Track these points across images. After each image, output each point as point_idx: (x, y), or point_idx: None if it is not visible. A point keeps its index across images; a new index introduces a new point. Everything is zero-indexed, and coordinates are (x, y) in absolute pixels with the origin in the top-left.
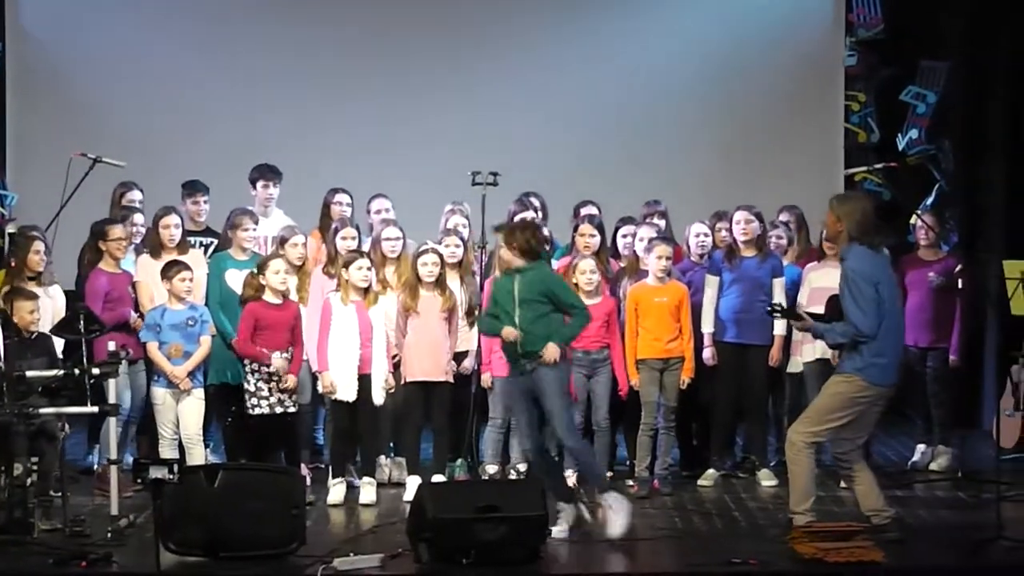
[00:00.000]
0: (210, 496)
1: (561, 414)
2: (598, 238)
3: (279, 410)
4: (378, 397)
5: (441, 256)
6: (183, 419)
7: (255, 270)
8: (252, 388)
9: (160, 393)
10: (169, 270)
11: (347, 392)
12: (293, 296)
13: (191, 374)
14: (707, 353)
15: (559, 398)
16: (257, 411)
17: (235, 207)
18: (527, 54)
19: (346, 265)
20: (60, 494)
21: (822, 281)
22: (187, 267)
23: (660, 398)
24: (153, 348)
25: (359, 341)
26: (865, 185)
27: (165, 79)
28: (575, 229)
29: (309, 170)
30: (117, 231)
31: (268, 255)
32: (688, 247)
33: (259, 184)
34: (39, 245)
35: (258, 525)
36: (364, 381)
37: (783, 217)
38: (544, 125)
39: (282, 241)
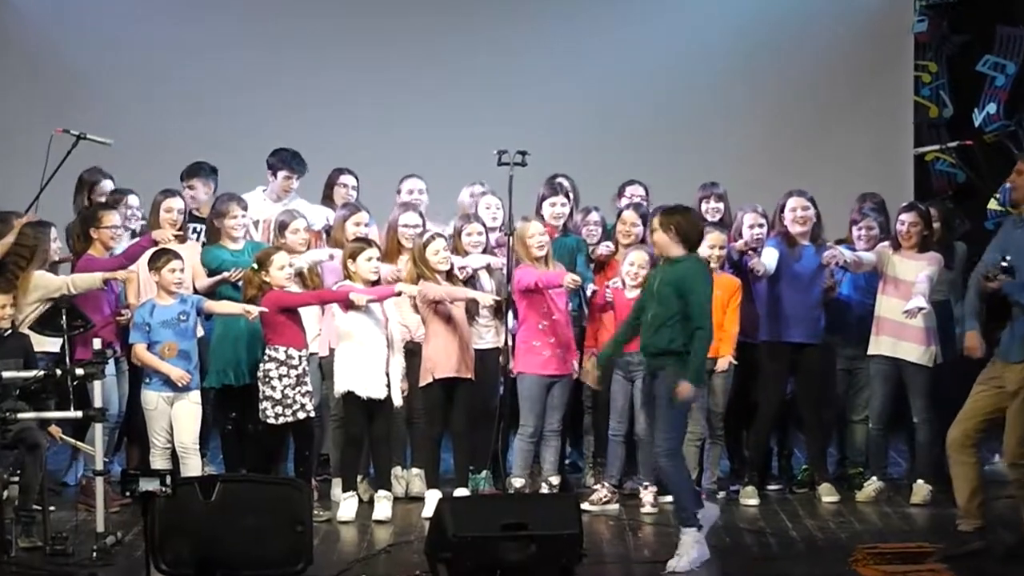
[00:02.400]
0: (206, 511)
1: (668, 428)
2: (641, 228)
3: (301, 416)
4: (397, 399)
5: (447, 241)
6: (178, 426)
7: (255, 266)
8: (278, 395)
9: (152, 397)
10: (157, 260)
11: (375, 389)
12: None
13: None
14: (752, 262)
15: (671, 409)
16: (282, 420)
17: (223, 192)
18: (562, 23)
19: (353, 256)
20: (40, 509)
21: (904, 272)
22: (176, 256)
23: (708, 403)
24: (141, 350)
25: (384, 335)
26: (937, 165)
27: (158, 50)
28: (618, 214)
29: (315, 148)
30: (111, 217)
31: (268, 249)
32: (740, 236)
33: (281, 175)
34: (54, 232)
35: (259, 543)
36: None
37: (870, 205)
38: (577, 101)
39: (281, 228)
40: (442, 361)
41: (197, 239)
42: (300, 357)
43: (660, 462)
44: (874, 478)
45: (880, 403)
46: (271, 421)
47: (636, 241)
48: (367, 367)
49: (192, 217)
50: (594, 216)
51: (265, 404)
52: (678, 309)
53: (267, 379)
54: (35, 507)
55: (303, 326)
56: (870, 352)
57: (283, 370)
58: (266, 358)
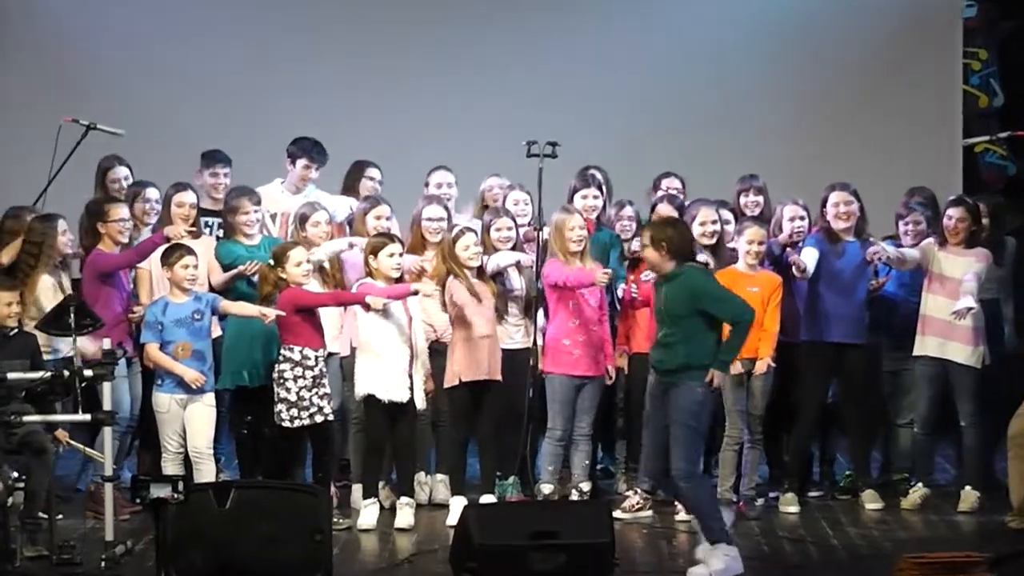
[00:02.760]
0: (220, 519)
1: (686, 445)
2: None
3: (319, 419)
4: (421, 401)
5: (478, 236)
6: (191, 429)
7: (271, 262)
8: (293, 397)
9: (164, 399)
10: (169, 255)
11: (397, 392)
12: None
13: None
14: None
15: (687, 427)
16: (297, 423)
17: (235, 186)
18: (594, 7)
19: (375, 251)
20: (47, 516)
21: (951, 269)
22: (189, 251)
23: (747, 406)
24: (153, 350)
25: (406, 335)
26: (987, 158)
27: (171, 38)
28: (652, 208)
29: (335, 139)
30: (118, 211)
31: (287, 243)
32: (780, 230)
33: (300, 163)
34: (63, 225)
35: (276, 552)
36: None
37: (918, 199)
38: (610, 89)
39: (302, 221)
40: (470, 363)
41: (210, 233)
42: (316, 358)
43: (680, 485)
44: (920, 484)
45: (926, 406)
46: (286, 424)
47: None
48: (388, 369)
49: (206, 211)
50: (628, 210)
51: (280, 406)
52: (694, 323)
53: (282, 380)
54: (41, 515)
55: (321, 325)
56: (916, 353)
57: (298, 371)
58: (281, 358)
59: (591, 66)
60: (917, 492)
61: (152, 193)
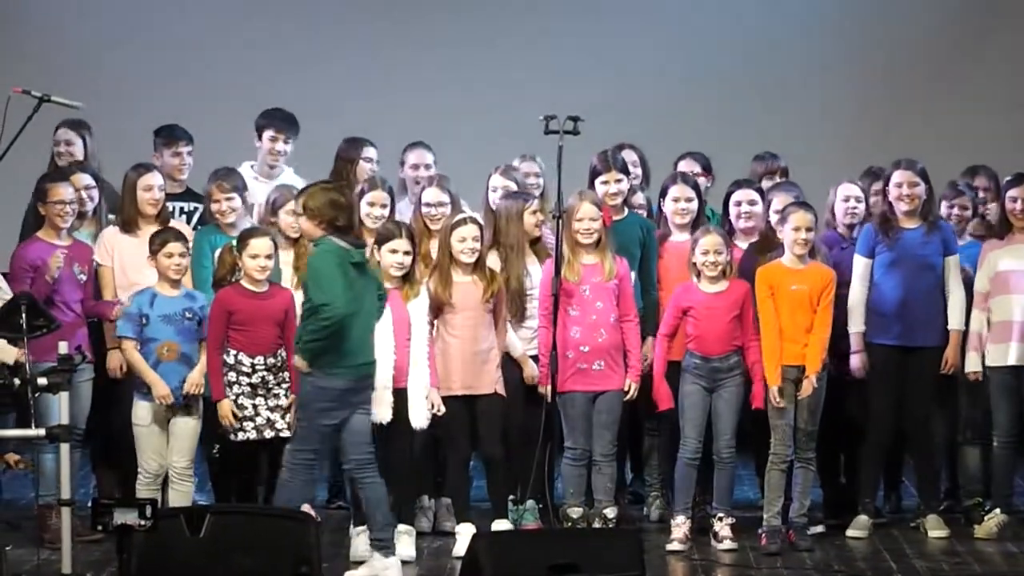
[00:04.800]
0: (193, 549)
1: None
2: (696, 203)
3: (268, 434)
4: (418, 419)
5: (482, 229)
6: (173, 445)
7: (233, 243)
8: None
9: (145, 410)
10: (153, 241)
11: (383, 411)
12: (287, 279)
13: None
14: (856, 360)
15: None
16: (242, 436)
17: (218, 167)
18: None
19: (378, 243)
20: None
21: (1011, 263)
22: (178, 236)
23: (795, 420)
24: (130, 347)
25: (393, 345)
26: None
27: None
28: (662, 193)
29: (320, 115)
30: (61, 191)
31: (252, 229)
32: (833, 216)
33: (266, 134)
34: None
35: None
36: (399, 397)
37: (978, 182)
38: (643, 60)
39: (273, 208)
40: (443, 376)
41: (187, 221)
42: (254, 365)
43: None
44: (996, 510)
45: (1006, 419)
46: (232, 437)
47: (691, 221)
48: (380, 386)
49: (170, 195)
50: (639, 198)
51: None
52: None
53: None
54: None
55: (265, 329)
56: (989, 363)
57: (232, 376)
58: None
59: (621, 35)
60: (993, 519)
61: (83, 180)
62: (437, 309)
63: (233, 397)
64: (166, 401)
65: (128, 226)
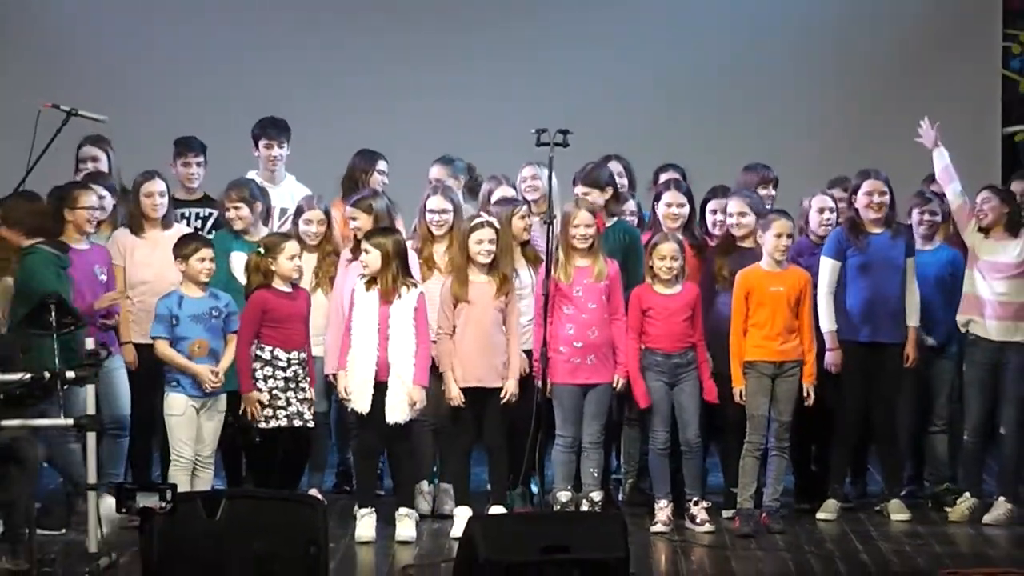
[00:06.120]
0: (209, 531)
1: None
2: (687, 208)
3: (297, 423)
4: (395, 413)
5: (498, 232)
6: (202, 435)
7: (262, 250)
8: (266, 397)
9: (180, 402)
10: (184, 247)
11: (360, 402)
12: (305, 281)
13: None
14: (831, 357)
15: None
16: (273, 423)
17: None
18: None
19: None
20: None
21: (993, 254)
22: (206, 243)
23: (771, 412)
24: (165, 346)
25: (376, 341)
26: None
27: (155, 16)
28: (656, 198)
29: (327, 126)
30: (87, 197)
31: (280, 234)
32: (806, 224)
33: (261, 143)
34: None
35: (268, 566)
36: (379, 391)
37: (935, 187)
38: (627, 74)
39: (297, 215)
40: (463, 368)
41: (193, 226)
42: (289, 360)
43: None
44: (967, 494)
45: (976, 413)
46: (260, 425)
47: (682, 224)
48: (354, 378)
49: (180, 202)
50: (630, 205)
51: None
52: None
53: (253, 380)
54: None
55: (299, 329)
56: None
57: (268, 370)
58: (254, 357)
59: (608, 50)
60: (965, 503)
61: (99, 192)
62: (454, 306)
63: (267, 389)
64: (215, 385)
65: (135, 228)
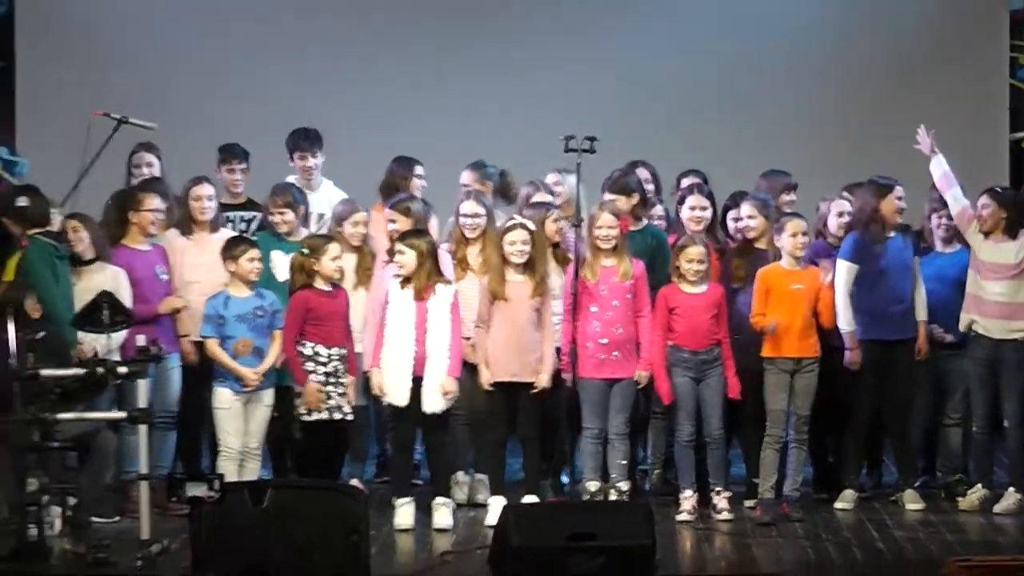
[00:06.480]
0: (255, 519)
1: None
2: (710, 211)
3: (337, 416)
4: (432, 403)
5: (532, 234)
6: (249, 427)
7: (305, 250)
8: (315, 387)
9: (227, 396)
10: (234, 248)
11: (397, 395)
12: (348, 282)
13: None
14: (851, 356)
15: None
16: (316, 415)
17: (278, 182)
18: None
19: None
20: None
21: (993, 256)
22: (253, 244)
23: (790, 406)
24: (214, 345)
25: (414, 336)
26: None
27: (199, 26)
28: (680, 202)
29: (363, 132)
30: (151, 200)
31: (323, 236)
32: (824, 227)
33: (296, 156)
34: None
35: (312, 553)
36: (417, 384)
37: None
38: (651, 83)
39: (340, 219)
40: (494, 363)
41: (238, 229)
42: (330, 356)
43: None
44: (979, 485)
45: (982, 407)
46: (304, 418)
47: (705, 227)
48: (389, 371)
49: (226, 206)
50: (658, 210)
51: (298, 400)
52: None
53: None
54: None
55: (340, 326)
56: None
57: (310, 366)
58: (296, 352)
59: (632, 60)
60: (976, 493)
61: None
62: (491, 304)
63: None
64: (253, 385)
65: (184, 231)
